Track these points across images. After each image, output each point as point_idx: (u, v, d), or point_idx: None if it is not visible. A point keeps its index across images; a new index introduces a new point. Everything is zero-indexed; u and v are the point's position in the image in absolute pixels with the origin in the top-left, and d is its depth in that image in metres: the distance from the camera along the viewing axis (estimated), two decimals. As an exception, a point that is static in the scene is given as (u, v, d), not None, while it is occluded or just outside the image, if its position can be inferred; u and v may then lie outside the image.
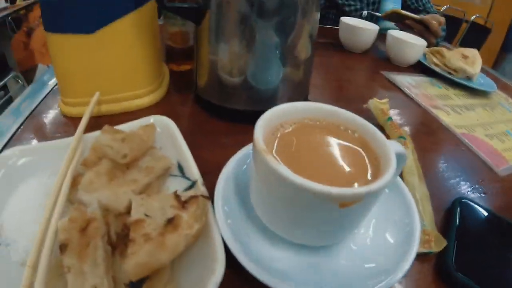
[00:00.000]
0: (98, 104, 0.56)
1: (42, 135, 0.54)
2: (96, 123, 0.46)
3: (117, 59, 0.56)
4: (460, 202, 0.47)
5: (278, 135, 0.35)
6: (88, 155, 0.44)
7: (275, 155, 0.32)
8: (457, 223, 0.44)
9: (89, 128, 0.48)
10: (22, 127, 0.55)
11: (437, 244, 0.41)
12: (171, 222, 0.34)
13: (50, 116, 0.58)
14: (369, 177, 0.31)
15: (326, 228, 0.32)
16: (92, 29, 0.51)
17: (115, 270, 0.34)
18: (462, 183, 0.55)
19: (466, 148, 0.66)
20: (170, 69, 0.74)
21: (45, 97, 0.63)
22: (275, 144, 0.34)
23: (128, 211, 0.37)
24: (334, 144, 0.35)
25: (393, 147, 0.33)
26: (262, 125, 0.32)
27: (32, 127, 0.55)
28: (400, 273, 0.31)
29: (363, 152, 0.34)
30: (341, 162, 0.33)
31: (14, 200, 0.40)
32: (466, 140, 0.67)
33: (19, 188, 0.42)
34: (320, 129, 0.37)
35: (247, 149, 0.43)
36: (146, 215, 0.35)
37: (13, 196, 0.41)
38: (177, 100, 0.66)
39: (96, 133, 0.46)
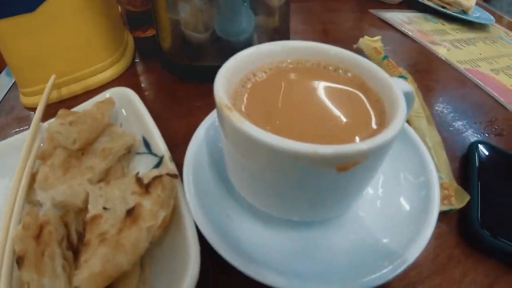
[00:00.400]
0: (57, 87, 0.50)
1: (7, 134, 0.48)
2: (59, 109, 0.40)
3: (67, 34, 0.49)
4: (477, 147, 0.40)
5: (249, 86, 0.27)
6: (45, 146, 0.38)
7: (245, 111, 0.24)
8: (477, 172, 0.37)
9: (51, 116, 0.41)
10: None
11: (459, 200, 0.34)
12: (130, 214, 0.28)
13: (13, 112, 0.52)
14: (374, 126, 0.24)
15: (322, 200, 0.24)
16: (32, 7, 0.45)
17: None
18: (473, 124, 0.49)
19: (473, 85, 0.59)
20: (137, 36, 0.67)
21: (6, 93, 0.56)
22: (245, 98, 0.26)
23: (87, 205, 0.31)
24: (324, 89, 0.27)
25: (398, 85, 0.25)
26: (225, 76, 0.24)
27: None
28: (421, 245, 0.25)
29: (361, 95, 0.27)
30: (335, 111, 0.25)
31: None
32: (472, 76, 0.61)
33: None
34: (303, 73, 0.28)
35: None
36: (105, 208, 0.30)
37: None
38: (144, 69, 0.59)
39: (53, 120, 0.39)
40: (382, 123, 0.24)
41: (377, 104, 0.26)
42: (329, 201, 0.25)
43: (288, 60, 0.29)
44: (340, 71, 0.29)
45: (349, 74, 0.29)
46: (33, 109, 0.49)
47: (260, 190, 0.26)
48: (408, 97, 0.25)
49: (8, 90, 0.56)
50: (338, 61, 0.29)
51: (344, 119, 0.24)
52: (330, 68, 0.29)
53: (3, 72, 0.62)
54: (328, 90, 0.27)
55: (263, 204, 0.27)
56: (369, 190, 0.31)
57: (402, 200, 0.29)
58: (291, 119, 0.24)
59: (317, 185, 0.22)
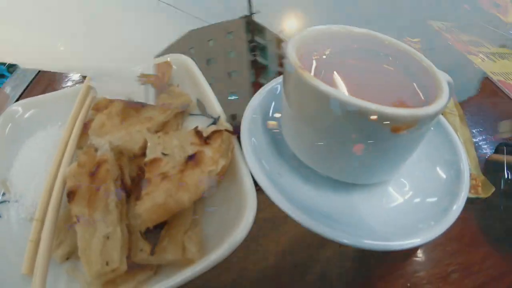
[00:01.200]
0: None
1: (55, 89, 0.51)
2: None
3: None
4: (505, 147, 0.43)
5: (314, 58, 0.30)
6: (100, 98, 0.40)
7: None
8: (504, 168, 0.40)
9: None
10: (32, 82, 0.52)
11: (485, 190, 0.37)
12: (192, 159, 0.31)
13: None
14: (421, 102, 0.27)
15: (373, 160, 0.27)
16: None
17: (130, 218, 0.30)
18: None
19: (504, 96, 0.61)
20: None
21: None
22: (313, 67, 0.29)
23: (143, 152, 0.33)
24: (378, 70, 0.30)
25: (441, 75, 0.28)
26: (294, 45, 0.28)
27: (45, 82, 0.53)
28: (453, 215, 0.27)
29: (409, 79, 0.30)
30: (389, 86, 0.28)
31: (23, 154, 0.38)
32: (503, 87, 0.62)
33: (28, 141, 0.40)
34: (359, 54, 0.32)
35: (276, 81, 0.38)
36: (164, 154, 0.32)
37: (22, 150, 0.39)
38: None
39: (109, 77, 0.42)
40: (428, 102, 0.27)
41: (423, 88, 0.29)
42: (378, 161, 0.28)
43: (344, 43, 0.32)
44: (390, 57, 0.32)
45: (397, 61, 0.32)
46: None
47: (316, 149, 0.28)
48: (449, 86, 0.28)
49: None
50: (388, 48, 0.32)
51: (396, 93, 0.27)
52: (381, 54, 0.32)
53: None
54: (382, 71, 0.30)
55: (316, 163, 0.30)
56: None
57: (434, 174, 0.32)
58: (353, 87, 0.27)
59: (371, 143, 0.25)
